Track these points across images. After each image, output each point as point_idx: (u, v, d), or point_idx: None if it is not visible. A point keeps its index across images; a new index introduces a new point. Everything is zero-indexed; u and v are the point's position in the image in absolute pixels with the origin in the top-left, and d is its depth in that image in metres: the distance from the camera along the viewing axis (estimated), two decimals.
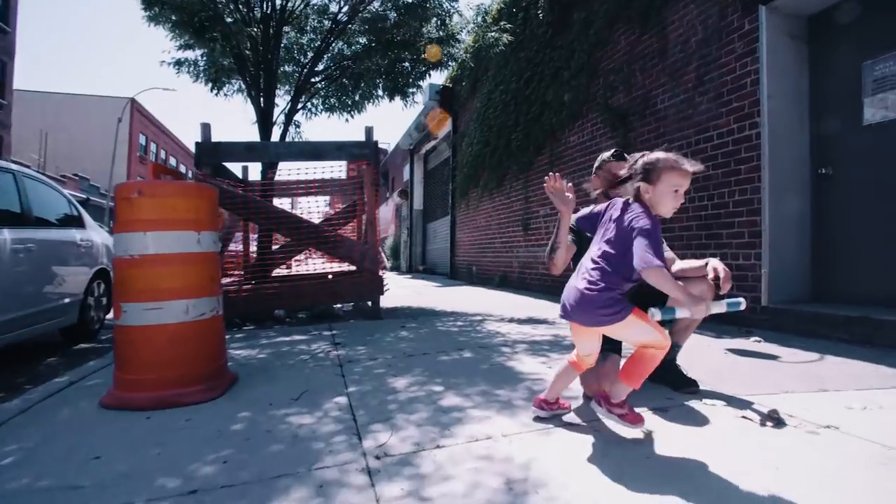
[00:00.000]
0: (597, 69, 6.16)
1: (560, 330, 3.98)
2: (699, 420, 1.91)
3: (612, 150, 2.50)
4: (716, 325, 3.93)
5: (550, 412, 1.93)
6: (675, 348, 2.35)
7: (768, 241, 3.81)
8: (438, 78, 16.79)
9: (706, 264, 2.13)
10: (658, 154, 1.65)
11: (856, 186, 3.69)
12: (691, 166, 1.61)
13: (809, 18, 4.01)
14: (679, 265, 2.37)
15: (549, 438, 1.75)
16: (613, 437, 1.75)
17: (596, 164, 2.53)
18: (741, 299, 1.58)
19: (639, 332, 1.64)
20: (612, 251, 1.64)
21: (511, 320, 4.69)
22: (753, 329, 3.74)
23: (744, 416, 1.92)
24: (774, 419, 1.86)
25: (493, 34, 6.75)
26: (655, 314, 1.55)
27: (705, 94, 4.44)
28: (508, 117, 8.45)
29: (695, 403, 2.10)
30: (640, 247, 1.52)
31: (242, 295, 4.61)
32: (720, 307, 1.55)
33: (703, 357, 2.94)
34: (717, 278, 2.00)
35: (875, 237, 3.55)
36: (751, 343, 3.33)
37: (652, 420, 1.89)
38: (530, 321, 4.62)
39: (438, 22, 6.42)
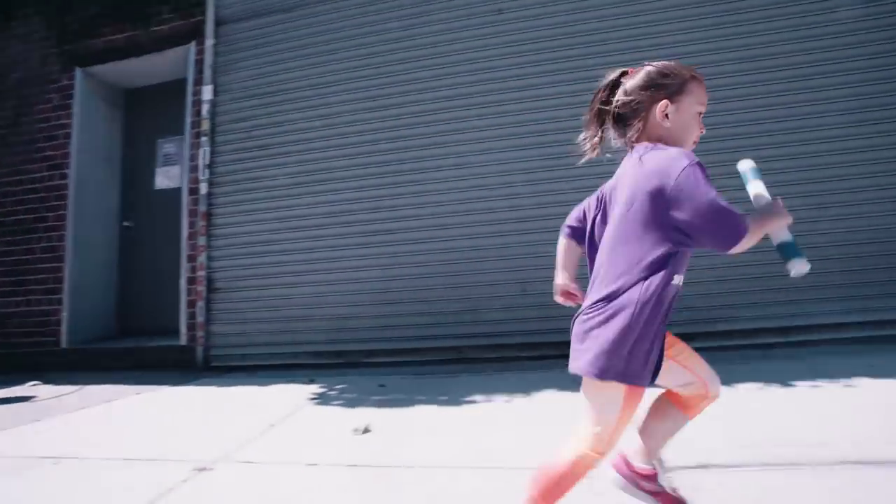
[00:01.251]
0: None
1: None
2: None
3: None
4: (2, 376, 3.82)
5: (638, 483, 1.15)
6: None
7: (70, 287, 4.07)
8: None
9: None
10: (664, 61, 1.05)
11: (151, 237, 4.46)
12: None
13: (127, 91, 4.65)
14: None
15: None
16: None
17: None
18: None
19: (599, 409, 0.98)
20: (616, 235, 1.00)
21: None
22: (50, 372, 3.83)
23: None
24: None
25: None
26: (797, 266, 0.92)
27: (21, 136, 4.33)
28: None
29: None
30: (704, 207, 0.87)
31: None
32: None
33: None
34: None
35: (164, 278, 4.33)
36: (27, 388, 3.40)
37: None
38: None
39: None
